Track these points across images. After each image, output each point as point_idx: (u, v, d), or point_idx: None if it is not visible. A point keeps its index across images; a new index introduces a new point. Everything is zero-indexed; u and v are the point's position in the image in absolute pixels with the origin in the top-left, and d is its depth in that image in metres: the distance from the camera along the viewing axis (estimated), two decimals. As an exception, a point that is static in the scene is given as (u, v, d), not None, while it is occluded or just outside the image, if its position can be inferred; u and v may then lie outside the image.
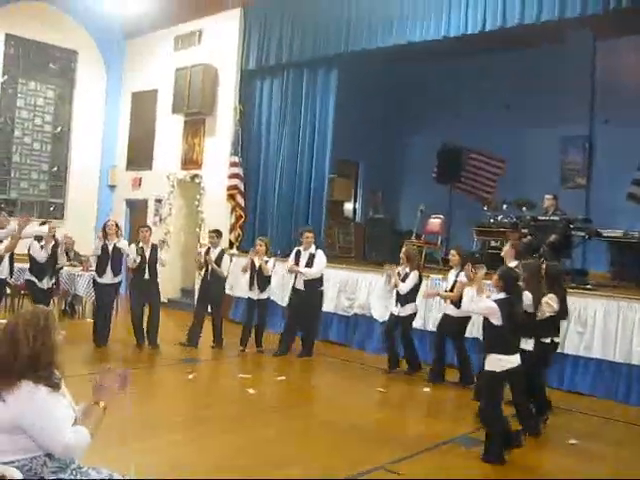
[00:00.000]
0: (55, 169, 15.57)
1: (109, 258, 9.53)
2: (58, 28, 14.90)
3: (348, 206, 16.38)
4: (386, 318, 9.36)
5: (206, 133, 14.07)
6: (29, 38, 14.72)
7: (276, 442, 5.92)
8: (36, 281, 9.87)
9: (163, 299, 11.33)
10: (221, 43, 13.85)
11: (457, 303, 8.07)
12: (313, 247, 9.86)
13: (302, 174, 12.67)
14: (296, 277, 9.86)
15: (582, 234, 10.35)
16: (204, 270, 10.14)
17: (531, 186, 12.56)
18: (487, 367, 5.75)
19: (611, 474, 5.76)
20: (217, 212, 13.45)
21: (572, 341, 8.50)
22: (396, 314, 8.93)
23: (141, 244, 9.67)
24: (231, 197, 13.31)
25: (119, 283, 9.98)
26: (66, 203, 15.61)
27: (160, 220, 14.70)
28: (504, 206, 11.72)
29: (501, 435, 5.66)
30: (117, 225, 9.85)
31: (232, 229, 13.33)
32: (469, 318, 8.39)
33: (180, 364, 9.00)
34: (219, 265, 10.01)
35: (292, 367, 9.50)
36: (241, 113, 13.45)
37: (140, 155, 15.62)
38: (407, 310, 8.91)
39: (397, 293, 8.90)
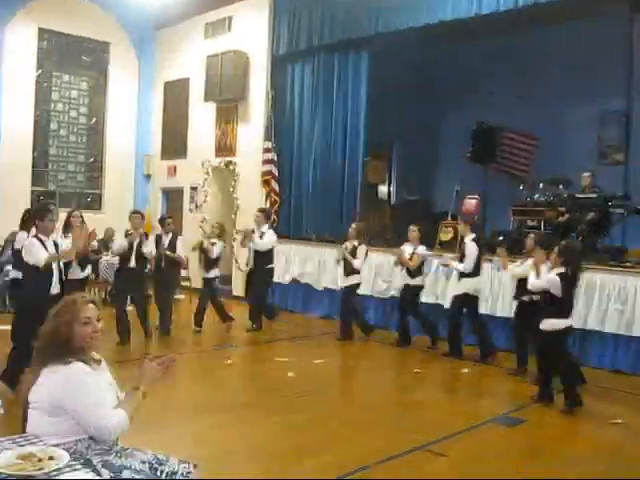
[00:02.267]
0: (91, 160, 15.78)
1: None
2: (89, 20, 15.02)
3: (382, 189, 16.29)
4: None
5: (239, 120, 14.11)
6: (61, 31, 14.88)
7: (314, 426, 5.96)
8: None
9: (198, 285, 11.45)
10: (251, 29, 13.85)
11: (413, 272, 9.51)
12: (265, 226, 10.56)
13: (336, 158, 12.66)
14: None
15: (621, 211, 10.19)
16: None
17: (567, 163, 12.36)
18: (545, 328, 6.66)
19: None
20: (252, 198, 13.51)
21: (612, 319, 8.41)
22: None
23: (131, 231, 9.38)
24: (265, 183, 13.36)
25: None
26: (103, 194, 15.82)
27: (196, 207, 14.83)
28: (540, 185, 11.55)
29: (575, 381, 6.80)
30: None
31: (267, 215, 13.37)
32: (422, 287, 9.70)
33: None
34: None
35: (329, 350, 9.56)
36: (273, 98, 13.46)
37: (174, 144, 15.74)
38: (351, 280, 9.98)
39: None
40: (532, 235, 8.36)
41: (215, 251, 10.25)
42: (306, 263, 12.08)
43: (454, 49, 14.30)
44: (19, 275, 7.50)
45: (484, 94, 14.84)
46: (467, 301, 8.92)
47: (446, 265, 9.48)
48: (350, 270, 10.02)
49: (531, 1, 9.72)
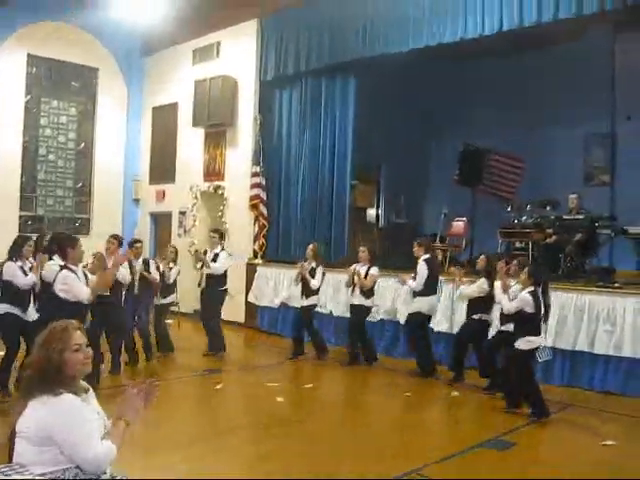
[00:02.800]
0: (80, 185, 15.75)
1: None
2: (78, 46, 15.09)
3: (371, 212, 16.35)
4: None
5: (227, 144, 14.15)
6: (50, 57, 14.92)
7: (303, 450, 5.92)
8: None
9: (188, 310, 11.39)
10: (239, 54, 13.94)
11: (367, 293, 9.67)
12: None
13: (324, 182, 12.68)
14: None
15: (608, 232, 10.27)
16: None
17: (555, 185, 12.47)
18: (520, 347, 7.04)
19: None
20: (241, 222, 13.53)
21: (601, 340, 8.41)
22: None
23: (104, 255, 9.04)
24: (254, 207, 13.36)
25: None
26: (92, 218, 15.78)
27: (185, 232, 14.82)
28: (528, 206, 11.63)
29: (539, 396, 7.08)
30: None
31: (256, 238, 13.39)
32: (371, 308, 9.87)
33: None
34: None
35: (317, 374, 9.54)
36: (261, 123, 13.50)
37: (163, 168, 15.76)
38: (310, 301, 10.13)
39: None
40: (483, 256, 8.69)
41: (172, 276, 10.14)
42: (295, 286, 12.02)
43: (441, 72, 14.45)
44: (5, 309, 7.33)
45: (471, 117, 14.98)
46: (420, 319, 9.17)
47: (403, 283, 9.61)
48: (309, 291, 10.09)
49: (515, 25, 9.78)
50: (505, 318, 7.72)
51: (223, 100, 13.79)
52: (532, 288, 7.09)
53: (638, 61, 13.15)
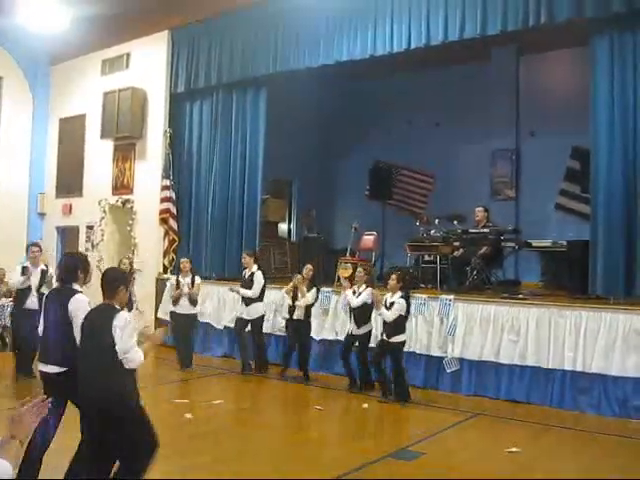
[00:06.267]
0: (-19, 198, 15.13)
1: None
2: (-20, 54, 14.56)
3: (283, 226, 16.36)
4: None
5: (136, 157, 13.87)
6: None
7: (212, 467, 5.81)
8: None
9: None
10: (149, 66, 13.71)
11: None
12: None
13: (234, 196, 12.59)
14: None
15: (512, 245, 10.55)
16: None
17: (463, 200, 12.76)
18: (394, 341, 8.30)
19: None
20: (150, 237, 13.28)
21: (506, 350, 8.63)
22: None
23: (27, 264, 9.02)
24: (163, 221, 13.14)
25: None
26: (-6, 232, 15.18)
27: (92, 246, 14.41)
28: (436, 221, 11.86)
29: (406, 382, 8.36)
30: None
31: (166, 253, 13.16)
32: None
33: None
34: None
35: (228, 389, 9.42)
36: (171, 136, 13.32)
37: (70, 181, 15.30)
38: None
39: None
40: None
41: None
42: (205, 302, 11.85)
43: (353, 88, 14.67)
44: None
45: (382, 132, 15.24)
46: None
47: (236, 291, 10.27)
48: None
49: (423, 43, 10.00)
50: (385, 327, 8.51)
51: (132, 112, 13.53)
52: (401, 293, 8.32)
53: (541, 80, 13.70)
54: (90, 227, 14.64)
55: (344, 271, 10.79)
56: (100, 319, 4.58)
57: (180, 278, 10.51)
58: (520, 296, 9.27)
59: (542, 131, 13.50)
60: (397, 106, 15.08)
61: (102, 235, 14.30)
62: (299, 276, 9.81)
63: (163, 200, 13.13)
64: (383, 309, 8.39)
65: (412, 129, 15.22)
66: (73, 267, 5.23)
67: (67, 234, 15.46)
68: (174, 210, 13.17)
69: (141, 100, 13.65)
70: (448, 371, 9.04)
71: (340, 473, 5.64)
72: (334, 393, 9.04)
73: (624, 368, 7.81)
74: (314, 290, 9.77)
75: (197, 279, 10.56)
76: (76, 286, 5.16)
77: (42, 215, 15.89)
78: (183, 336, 10.44)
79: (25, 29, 13.24)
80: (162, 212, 13.12)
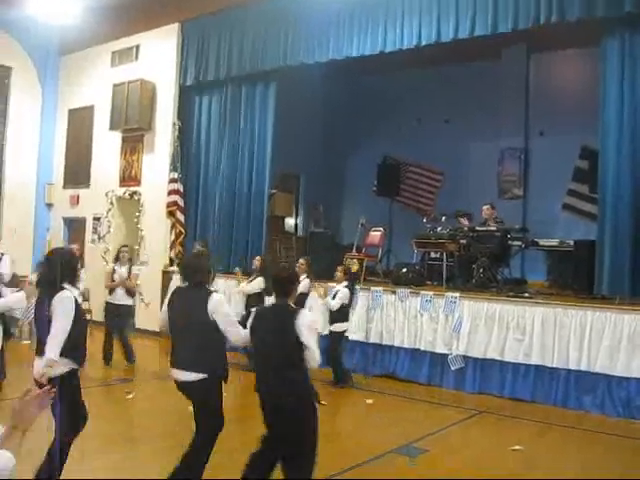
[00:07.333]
0: (-11, 188, 15.18)
1: None
2: (-9, 44, 14.58)
3: (289, 221, 16.36)
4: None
5: (144, 149, 13.89)
6: (-39, 54, 14.37)
7: (217, 461, 5.82)
8: None
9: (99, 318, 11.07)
10: (159, 58, 13.73)
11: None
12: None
13: (242, 190, 12.60)
14: None
15: (519, 243, 10.52)
16: None
17: (470, 198, 12.76)
18: (335, 330, 8.92)
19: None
20: (157, 229, 13.31)
21: (511, 348, 8.63)
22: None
23: None
24: (171, 213, 13.16)
25: None
26: (1, 222, 15.20)
27: (99, 238, 14.45)
28: (443, 218, 11.84)
29: (343, 368, 9.01)
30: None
31: (172, 246, 13.19)
32: None
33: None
34: None
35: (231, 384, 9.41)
36: (180, 129, 13.33)
37: (78, 172, 15.33)
38: None
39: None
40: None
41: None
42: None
43: (362, 83, 14.66)
44: None
45: (391, 128, 15.22)
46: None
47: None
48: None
49: (433, 40, 10.00)
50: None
51: (141, 104, 13.54)
52: (346, 283, 8.95)
53: (551, 80, 13.66)
54: (97, 218, 14.66)
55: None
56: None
57: (117, 267, 10.21)
58: (526, 295, 9.25)
59: (551, 130, 13.47)
60: (406, 102, 15.06)
61: (109, 227, 14.33)
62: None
63: (171, 193, 13.14)
64: (328, 298, 8.97)
65: (421, 126, 15.21)
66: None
67: (74, 225, 15.49)
68: (182, 203, 13.19)
69: (150, 92, 13.66)
70: (453, 368, 9.06)
71: (344, 467, 5.65)
72: (338, 388, 9.03)
73: (629, 368, 7.81)
74: (259, 279, 9.85)
75: (134, 269, 10.40)
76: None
77: (49, 206, 15.91)
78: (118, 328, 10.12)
79: (35, 19, 13.29)
80: (169, 205, 13.14)
